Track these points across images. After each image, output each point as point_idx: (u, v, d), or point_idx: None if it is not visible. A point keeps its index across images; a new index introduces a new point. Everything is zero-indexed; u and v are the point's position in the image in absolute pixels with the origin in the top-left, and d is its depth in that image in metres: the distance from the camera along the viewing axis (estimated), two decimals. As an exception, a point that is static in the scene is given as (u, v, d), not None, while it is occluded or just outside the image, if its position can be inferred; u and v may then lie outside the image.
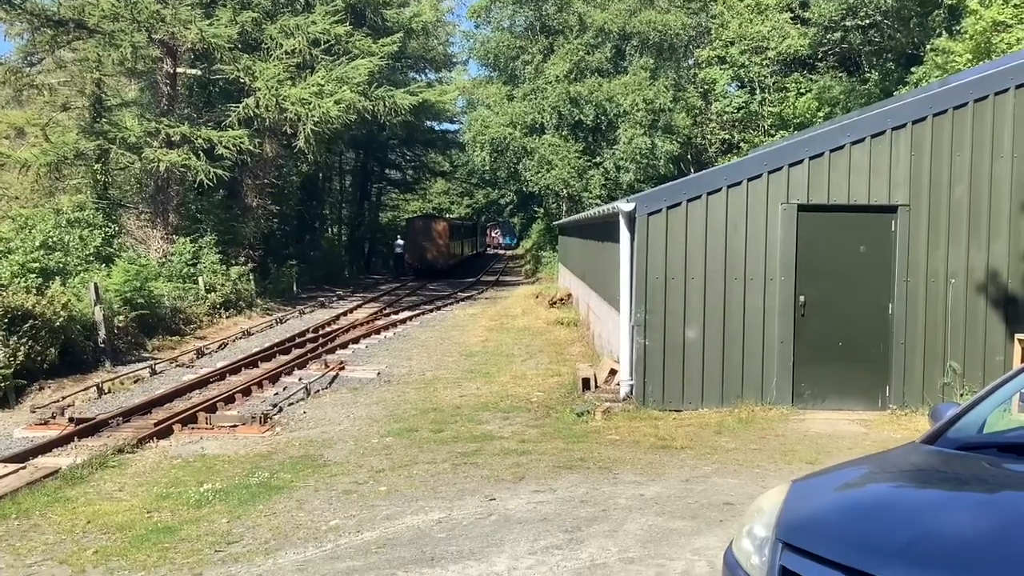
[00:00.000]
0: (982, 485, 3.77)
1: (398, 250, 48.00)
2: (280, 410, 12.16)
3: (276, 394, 13.42)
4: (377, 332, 20.96)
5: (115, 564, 6.37)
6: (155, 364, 16.34)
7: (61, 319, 15.26)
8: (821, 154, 10.89)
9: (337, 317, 24.69)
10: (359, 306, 28.19)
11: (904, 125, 10.90)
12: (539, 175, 34.28)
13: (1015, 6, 21.10)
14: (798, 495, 3.81)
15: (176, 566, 6.28)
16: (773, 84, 33.47)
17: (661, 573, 5.76)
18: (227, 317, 23.72)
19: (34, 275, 18.20)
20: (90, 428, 10.97)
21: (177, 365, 16.69)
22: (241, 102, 25.01)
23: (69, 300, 16.44)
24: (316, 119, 24.52)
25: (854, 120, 12.08)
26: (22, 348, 13.98)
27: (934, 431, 4.29)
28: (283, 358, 16.76)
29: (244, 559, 6.36)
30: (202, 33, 23.25)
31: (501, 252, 77.39)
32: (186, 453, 9.91)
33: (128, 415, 11.76)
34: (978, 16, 20.94)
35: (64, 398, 13.28)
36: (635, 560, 6.00)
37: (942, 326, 10.94)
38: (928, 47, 24.80)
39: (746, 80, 34.52)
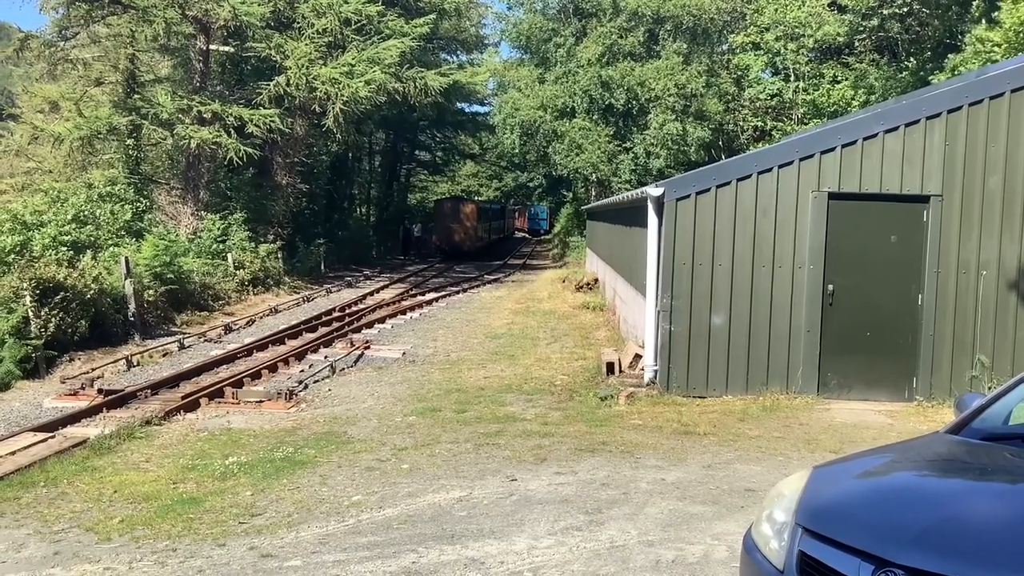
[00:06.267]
0: (1004, 475, 3.74)
1: (417, 233, 48.37)
2: (305, 387, 12.25)
3: (302, 371, 13.53)
4: (403, 312, 21.04)
5: (140, 533, 6.47)
6: (183, 339, 16.51)
7: (92, 292, 15.44)
8: (854, 142, 10.77)
9: (363, 297, 24.81)
10: (386, 286, 28.30)
11: (939, 114, 10.75)
12: (569, 159, 34.16)
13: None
14: (819, 481, 3.81)
15: (200, 536, 6.36)
16: (808, 72, 33.10)
17: (680, 557, 5.77)
18: (255, 294, 23.93)
19: (65, 248, 18.44)
20: (118, 400, 11.12)
21: (205, 340, 16.85)
22: (272, 80, 25.10)
23: (100, 273, 16.64)
24: (346, 99, 24.56)
25: (888, 108, 11.94)
26: (53, 319, 14.17)
27: (959, 421, 4.27)
28: (309, 336, 16.87)
29: (267, 531, 6.43)
30: (235, 10, 23.33)
31: (528, 236, 76.98)
32: (212, 426, 10.02)
33: (156, 388, 11.90)
34: (1014, 8, 20.58)
35: (94, 370, 13.46)
36: (655, 543, 6.01)
37: (972, 318, 10.81)
38: (966, 36, 24.41)
39: (781, 67, 34.16)
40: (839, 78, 31.73)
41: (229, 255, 24.24)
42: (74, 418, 10.28)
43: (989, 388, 10.09)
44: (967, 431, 4.15)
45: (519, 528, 6.34)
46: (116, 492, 7.48)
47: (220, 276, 22.87)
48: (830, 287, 10.82)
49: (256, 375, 12.88)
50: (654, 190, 11.07)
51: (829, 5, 31.87)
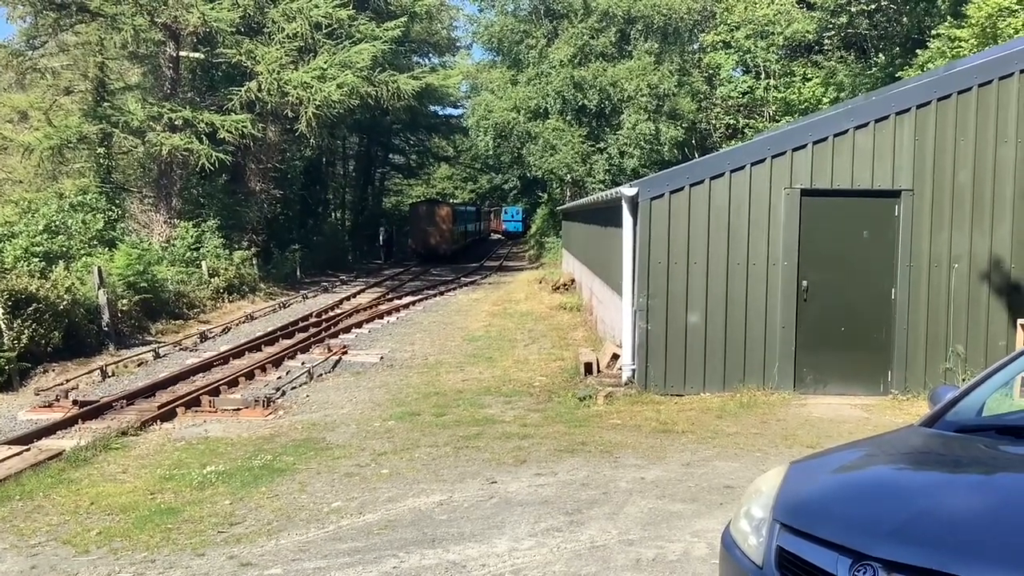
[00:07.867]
0: (979, 467, 3.78)
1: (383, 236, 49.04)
2: (283, 394, 12.19)
3: (279, 378, 13.45)
4: (380, 317, 20.99)
5: (118, 545, 6.41)
6: (159, 348, 16.38)
7: (65, 302, 15.30)
8: (825, 139, 10.85)
9: (340, 302, 24.72)
10: (362, 291, 28.22)
11: (908, 110, 10.86)
12: (543, 160, 34.18)
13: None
14: (796, 476, 3.83)
15: (179, 547, 6.31)
16: (779, 69, 33.32)
17: (660, 555, 5.79)
18: (230, 301, 23.76)
19: (37, 259, 18.27)
20: (94, 411, 11.02)
21: (181, 349, 16.73)
22: (243, 86, 24.97)
23: (73, 284, 16.49)
24: (318, 103, 24.49)
25: (858, 104, 12.02)
26: (26, 331, 14.03)
27: (933, 414, 4.30)
28: (286, 342, 16.80)
29: (247, 540, 6.39)
30: (204, 16, 23.20)
31: (504, 238, 76.90)
32: (189, 435, 9.95)
33: (132, 398, 11.80)
34: (983, 2, 20.77)
35: (68, 381, 13.33)
36: (635, 542, 6.02)
37: (945, 312, 10.92)
38: (934, 33, 24.65)
39: (751, 65, 34.35)
40: (809, 76, 31.95)
41: (203, 263, 24.07)
42: (49, 430, 10.17)
43: (963, 380, 10.20)
44: (941, 423, 4.19)
45: (500, 530, 6.34)
46: (93, 504, 7.41)
47: (194, 284, 22.71)
48: (804, 283, 10.90)
49: (233, 383, 12.80)
50: (628, 190, 11.11)
51: (798, 2, 32.07)
